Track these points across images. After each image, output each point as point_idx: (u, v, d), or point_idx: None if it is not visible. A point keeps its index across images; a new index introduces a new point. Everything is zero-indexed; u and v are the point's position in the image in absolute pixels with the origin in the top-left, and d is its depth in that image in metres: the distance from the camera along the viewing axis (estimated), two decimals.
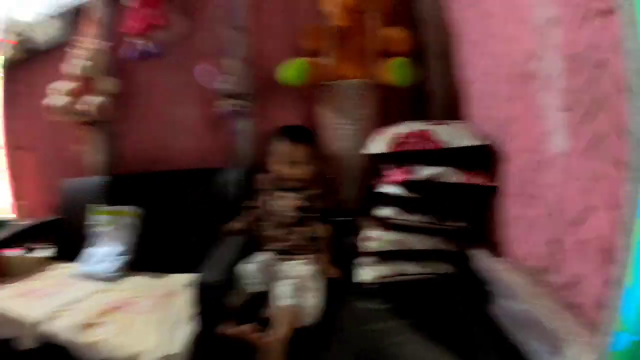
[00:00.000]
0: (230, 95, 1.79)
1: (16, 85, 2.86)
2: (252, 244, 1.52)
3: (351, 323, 1.22)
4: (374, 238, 1.35)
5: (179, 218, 1.91)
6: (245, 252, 1.46)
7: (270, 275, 1.37)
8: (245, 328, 1.13)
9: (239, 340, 1.12)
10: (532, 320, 0.85)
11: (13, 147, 2.97)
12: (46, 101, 2.16)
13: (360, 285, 1.33)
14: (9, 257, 2.25)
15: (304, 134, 1.55)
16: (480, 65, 1.38)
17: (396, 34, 1.59)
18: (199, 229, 1.83)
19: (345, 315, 1.26)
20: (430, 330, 1.14)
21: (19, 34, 2.62)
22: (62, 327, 1.48)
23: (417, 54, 1.61)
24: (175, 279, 1.75)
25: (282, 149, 1.52)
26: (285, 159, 1.50)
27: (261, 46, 1.87)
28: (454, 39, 1.60)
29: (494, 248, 1.24)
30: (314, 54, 1.63)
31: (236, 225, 1.60)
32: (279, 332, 1.13)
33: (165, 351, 1.24)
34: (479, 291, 1.14)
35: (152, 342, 1.30)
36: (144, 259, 1.92)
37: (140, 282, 1.81)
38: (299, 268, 1.36)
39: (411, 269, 1.32)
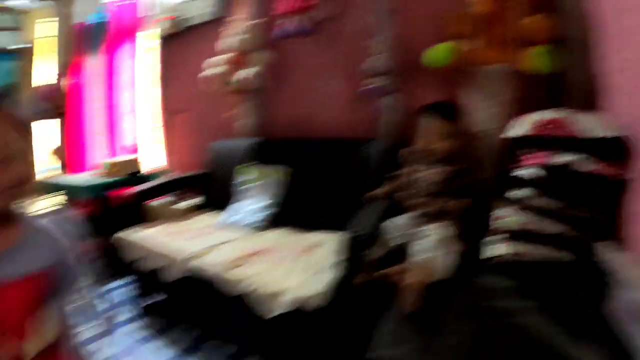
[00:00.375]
0: (377, 73, 1.88)
1: (171, 56, 3.24)
2: (393, 209, 1.60)
3: (473, 296, 1.26)
4: (505, 217, 1.39)
5: (323, 181, 2.05)
6: (387, 215, 1.56)
7: (410, 234, 1.48)
8: (391, 270, 1.25)
9: (384, 280, 1.25)
10: None
11: (168, 110, 3.36)
12: (205, 71, 2.44)
13: (487, 261, 1.37)
14: (159, 203, 2.59)
15: (450, 111, 1.59)
16: (620, 58, 1.36)
17: (538, 22, 1.58)
18: (341, 192, 1.96)
19: (469, 288, 1.30)
20: (551, 314, 1.16)
21: (174, 11, 2.95)
22: (210, 264, 1.67)
23: (557, 43, 1.61)
24: (315, 236, 1.90)
25: (428, 123, 1.57)
26: (431, 133, 1.55)
27: (407, 28, 1.93)
28: (594, 30, 1.57)
29: (620, 241, 1.23)
30: (458, 38, 1.66)
31: (380, 191, 1.70)
32: (416, 278, 1.24)
33: (308, 291, 1.37)
34: (599, 282, 1.15)
35: (295, 282, 1.43)
36: (286, 215, 2.09)
37: (282, 234, 1.98)
38: (435, 231, 1.44)
39: (537, 251, 1.34)
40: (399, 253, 1.42)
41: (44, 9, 5.07)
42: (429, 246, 1.36)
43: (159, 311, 2.26)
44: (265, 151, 2.36)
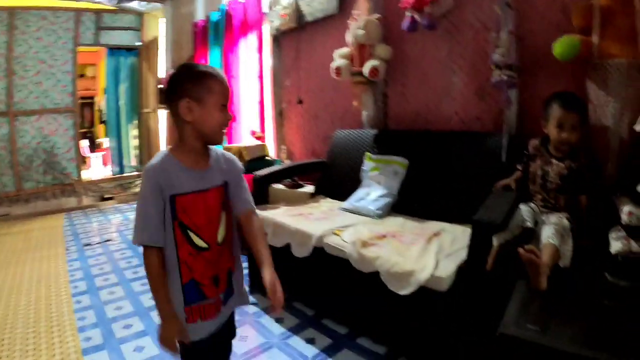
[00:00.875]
0: (499, 66, 1.86)
1: (285, 50, 3.45)
2: (519, 199, 1.63)
3: (595, 292, 1.25)
4: (630, 213, 1.35)
5: (442, 173, 2.08)
6: (514, 204, 1.57)
7: (535, 220, 1.51)
8: (525, 248, 1.26)
9: (516, 259, 1.27)
10: None
11: (280, 101, 3.58)
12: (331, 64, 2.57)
13: (608, 256, 1.35)
14: (277, 188, 2.79)
15: (577, 102, 1.55)
16: None
17: None
18: (460, 184, 1.98)
19: (591, 282, 1.30)
20: None
21: (287, 8, 3.13)
22: (342, 242, 1.74)
23: None
24: (434, 224, 1.93)
25: (554, 113, 1.55)
26: (557, 124, 1.53)
27: (528, 21, 1.90)
28: None
29: None
30: (581, 31, 1.61)
31: (506, 181, 1.73)
32: (547, 258, 1.27)
33: (440, 272, 1.41)
34: None
35: (423, 264, 1.47)
36: (404, 204, 2.15)
37: (401, 222, 2.02)
38: (559, 220, 1.45)
39: None
40: (528, 237, 1.45)
41: (159, 10, 5.62)
42: (555, 233, 1.38)
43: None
44: (382, 142, 2.42)
